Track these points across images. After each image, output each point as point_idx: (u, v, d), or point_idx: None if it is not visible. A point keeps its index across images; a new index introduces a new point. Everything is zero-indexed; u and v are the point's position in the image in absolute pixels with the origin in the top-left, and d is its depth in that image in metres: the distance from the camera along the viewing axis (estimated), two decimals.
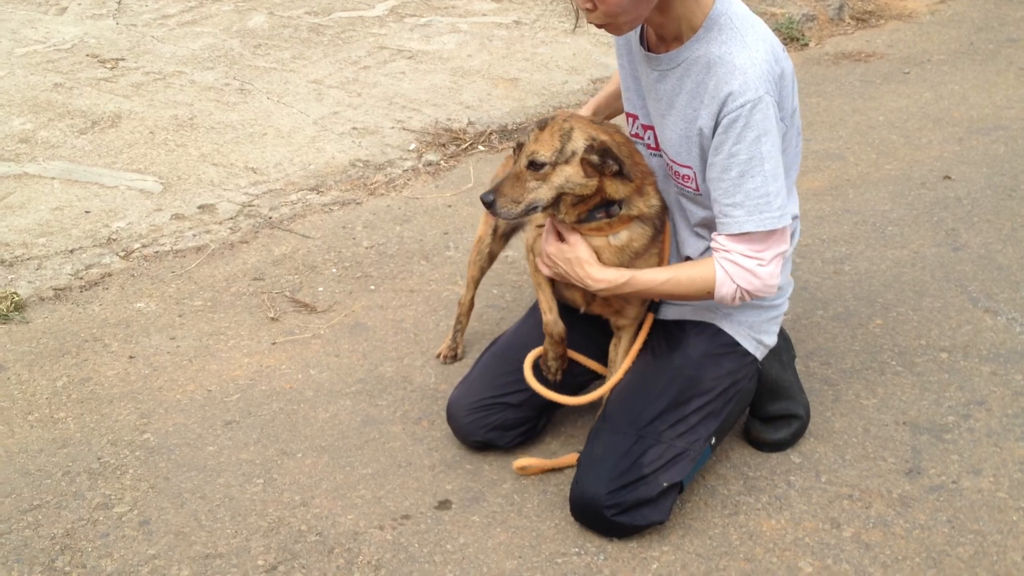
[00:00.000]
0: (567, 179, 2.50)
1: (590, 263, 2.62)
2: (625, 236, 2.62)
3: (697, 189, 2.63)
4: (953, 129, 5.30)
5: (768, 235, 2.51)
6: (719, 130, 2.47)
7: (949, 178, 4.73)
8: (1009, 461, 2.93)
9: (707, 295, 2.59)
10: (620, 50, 2.78)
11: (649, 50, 2.64)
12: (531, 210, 2.53)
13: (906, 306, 3.72)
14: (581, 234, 2.62)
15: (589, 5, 2.40)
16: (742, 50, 2.45)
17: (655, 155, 2.77)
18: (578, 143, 2.49)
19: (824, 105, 5.67)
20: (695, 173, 2.61)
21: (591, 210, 2.58)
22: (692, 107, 2.54)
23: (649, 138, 2.76)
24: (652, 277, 2.62)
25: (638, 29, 2.66)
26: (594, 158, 2.48)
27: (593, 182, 2.51)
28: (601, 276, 2.62)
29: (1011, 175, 4.73)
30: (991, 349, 3.45)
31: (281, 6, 7.19)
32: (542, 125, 2.53)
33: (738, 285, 2.54)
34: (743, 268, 2.52)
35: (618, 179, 2.53)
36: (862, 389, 3.28)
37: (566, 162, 2.49)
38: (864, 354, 3.45)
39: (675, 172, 2.66)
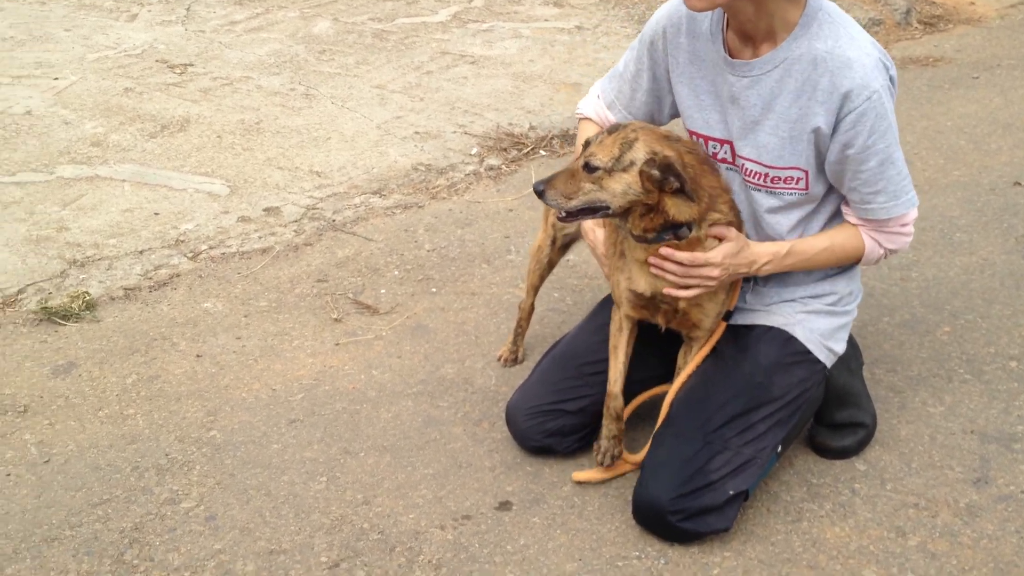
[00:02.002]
0: (628, 186, 2.46)
1: (748, 246, 2.63)
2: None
3: (807, 188, 2.62)
4: (1023, 135, 5.19)
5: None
6: (845, 126, 2.47)
7: (1020, 184, 4.63)
8: None
9: (855, 261, 2.75)
10: (681, 70, 2.73)
11: (732, 58, 2.60)
12: (593, 209, 2.52)
13: (975, 313, 3.66)
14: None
15: None
16: (850, 43, 2.44)
17: (731, 169, 2.73)
18: (638, 154, 2.46)
19: None
20: (807, 173, 2.59)
21: (659, 232, 2.54)
22: (798, 107, 2.51)
23: (725, 152, 2.73)
24: (811, 245, 2.69)
25: (719, 38, 2.61)
26: (655, 172, 2.44)
27: (654, 196, 2.48)
28: (762, 250, 2.65)
29: None
30: None
31: (345, 12, 7.28)
32: (612, 130, 2.52)
33: (886, 248, 2.70)
34: (890, 233, 2.67)
35: (680, 198, 2.48)
36: (929, 397, 3.23)
37: (623, 170, 2.46)
38: (931, 361, 3.40)
39: (773, 179, 2.62)
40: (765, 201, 2.67)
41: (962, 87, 5.91)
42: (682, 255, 2.54)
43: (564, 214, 2.55)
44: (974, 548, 2.63)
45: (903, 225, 2.66)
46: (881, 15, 7.04)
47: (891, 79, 2.51)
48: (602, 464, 2.87)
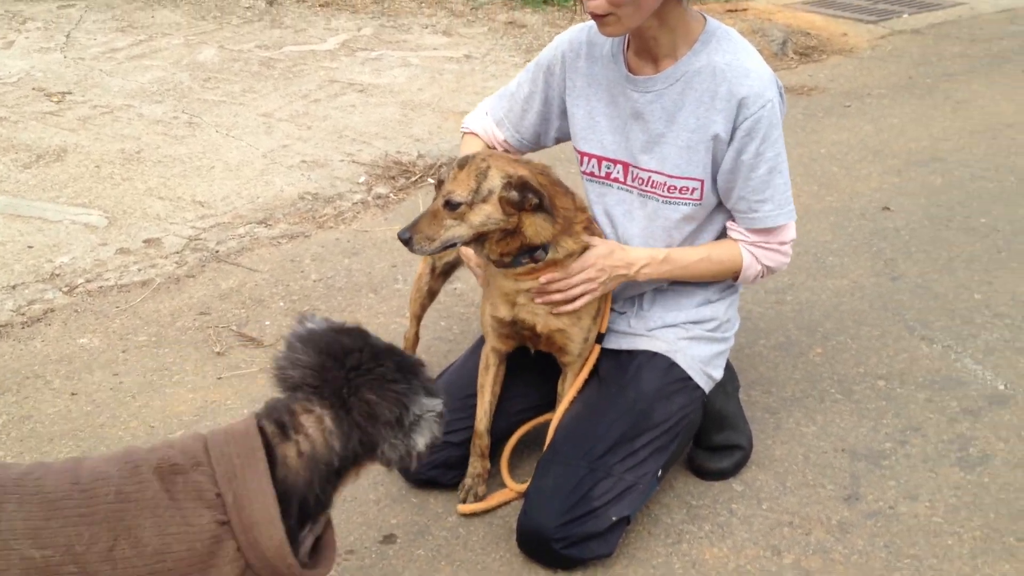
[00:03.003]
0: (488, 217, 2.51)
1: (622, 248, 2.69)
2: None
3: (700, 199, 2.70)
4: (892, 161, 5.42)
5: (788, 224, 2.74)
6: (740, 132, 2.57)
7: (888, 209, 4.83)
8: (944, 486, 2.99)
9: (732, 276, 2.79)
10: (578, 93, 2.80)
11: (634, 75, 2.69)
12: (448, 246, 2.56)
13: (846, 335, 3.79)
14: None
15: None
16: (748, 56, 2.58)
17: (623, 189, 2.81)
18: (495, 181, 2.50)
19: None
20: (702, 183, 2.67)
21: (516, 256, 2.59)
22: (697, 116, 2.60)
23: (618, 172, 2.79)
24: (687, 254, 2.75)
25: (620, 59, 2.70)
26: (513, 194, 2.50)
27: (514, 219, 2.53)
28: (639, 254, 2.71)
29: (947, 206, 4.85)
30: (927, 376, 3.52)
31: (232, 40, 7.20)
32: (462, 164, 2.54)
33: (764, 265, 2.77)
34: (769, 250, 2.74)
35: (540, 217, 2.54)
36: (802, 417, 3.33)
37: (484, 200, 2.50)
38: (805, 383, 3.51)
39: (670, 188, 2.70)
40: (661, 212, 2.75)
41: (835, 115, 6.14)
42: (559, 272, 2.62)
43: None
44: (845, 564, 2.72)
45: (782, 243, 2.75)
46: (759, 45, 7.27)
47: (781, 95, 2.65)
48: (463, 502, 2.89)
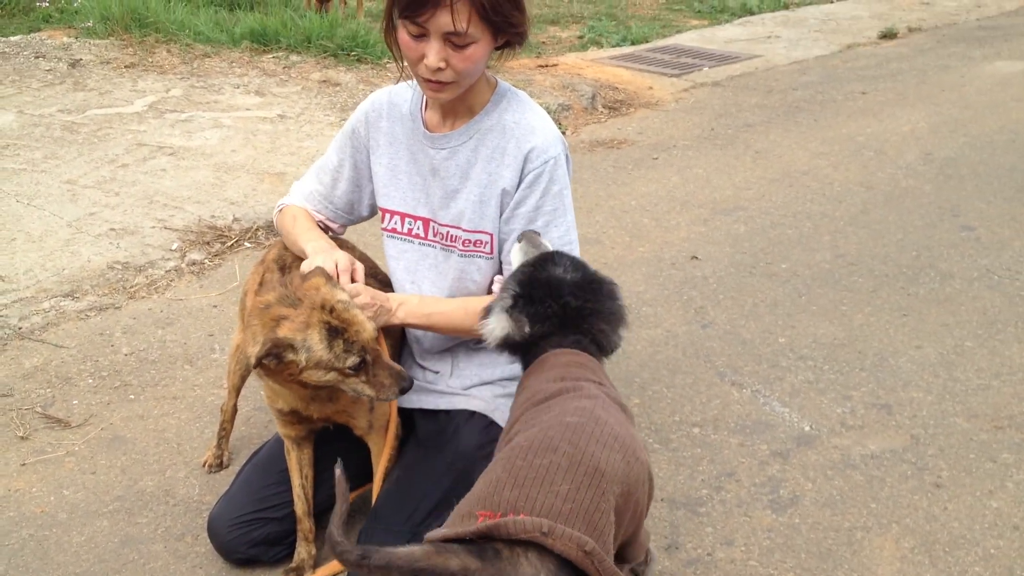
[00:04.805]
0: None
1: (384, 295, 2.69)
2: None
3: (492, 252, 2.76)
4: (699, 211, 5.66)
5: None
6: (523, 185, 2.67)
7: (696, 258, 5.03)
8: (758, 529, 3.12)
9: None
10: (381, 151, 2.85)
11: (432, 133, 2.76)
12: None
13: (661, 384, 3.92)
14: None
15: (442, 64, 2.46)
16: (534, 115, 2.70)
17: (425, 244, 2.85)
18: (342, 296, 2.42)
19: (581, 192, 5.93)
20: (492, 237, 2.74)
21: None
22: (488, 172, 2.69)
23: (419, 228, 2.84)
24: (444, 301, 2.79)
25: (418, 118, 2.78)
26: (346, 290, 2.49)
27: None
28: (395, 295, 2.75)
29: (751, 253, 5.09)
30: (738, 421, 3.67)
31: (31, 104, 6.91)
32: (338, 328, 2.36)
33: None
34: None
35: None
36: None
37: (355, 311, 2.43)
38: None
39: (464, 242, 2.76)
40: (462, 266, 2.80)
41: (644, 167, 6.37)
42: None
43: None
44: None
45: None
46: (570, 100, 7.50)
47: (567, 157, 2.75)
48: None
